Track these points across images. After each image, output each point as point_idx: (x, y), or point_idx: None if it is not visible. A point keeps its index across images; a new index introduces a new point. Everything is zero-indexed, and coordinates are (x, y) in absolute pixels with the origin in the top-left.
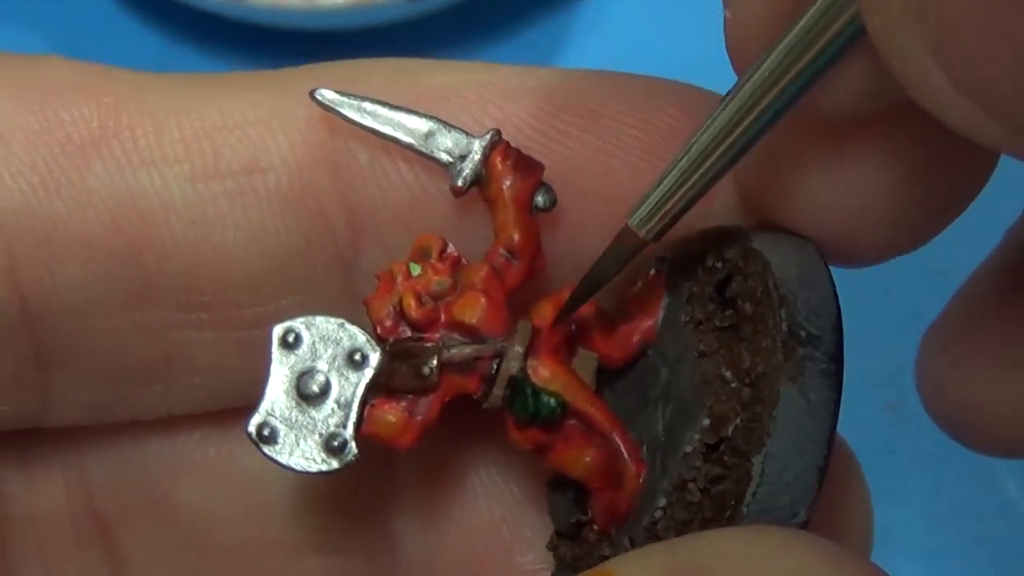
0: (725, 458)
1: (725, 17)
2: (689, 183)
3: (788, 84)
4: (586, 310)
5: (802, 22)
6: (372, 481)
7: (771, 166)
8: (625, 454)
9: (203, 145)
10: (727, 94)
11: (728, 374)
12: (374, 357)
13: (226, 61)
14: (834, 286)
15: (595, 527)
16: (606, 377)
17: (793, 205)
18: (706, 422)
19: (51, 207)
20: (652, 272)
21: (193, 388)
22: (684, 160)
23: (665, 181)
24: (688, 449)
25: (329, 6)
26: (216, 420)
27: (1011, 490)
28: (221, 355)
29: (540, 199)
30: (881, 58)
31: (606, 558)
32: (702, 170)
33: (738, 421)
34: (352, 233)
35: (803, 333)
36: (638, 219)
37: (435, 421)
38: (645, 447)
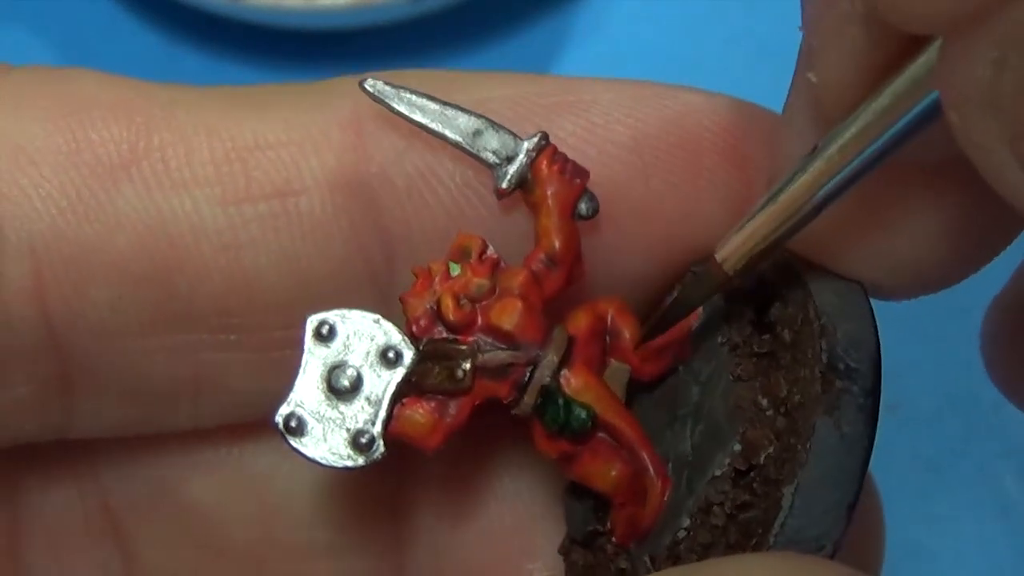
0: (754, 485)
1: (809, 79)
2: (774, 228)
3: (875, 150)
4: (621, 323)
5: (889, 93)
6: (384, 483)
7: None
8: (651, 471)
9: (235, 167)
10: (813, 151)
11: (764, 402)
12: (408, 356)
13: (226, 61)
14: (874, 319)
15: (613, 539)
16: (634, 390)
17: (831, 255)
18: (737, 447)
19: (80, 230)
20: None
21: (221, 406)
22: (772, 207)
23: (752, 223)
24: (717, 472)
25: (329, 6)
26: None
27: (1011, 491)
28: (250, 376)
29: (583, 206)
30: (960, 146)
31: (623, 571)
32: (788, 219)
33: (771, 450)
34: (386, 257)
35: (842, 366)
36: (723, 254)
37: (464, 424)
38: (671, 464)
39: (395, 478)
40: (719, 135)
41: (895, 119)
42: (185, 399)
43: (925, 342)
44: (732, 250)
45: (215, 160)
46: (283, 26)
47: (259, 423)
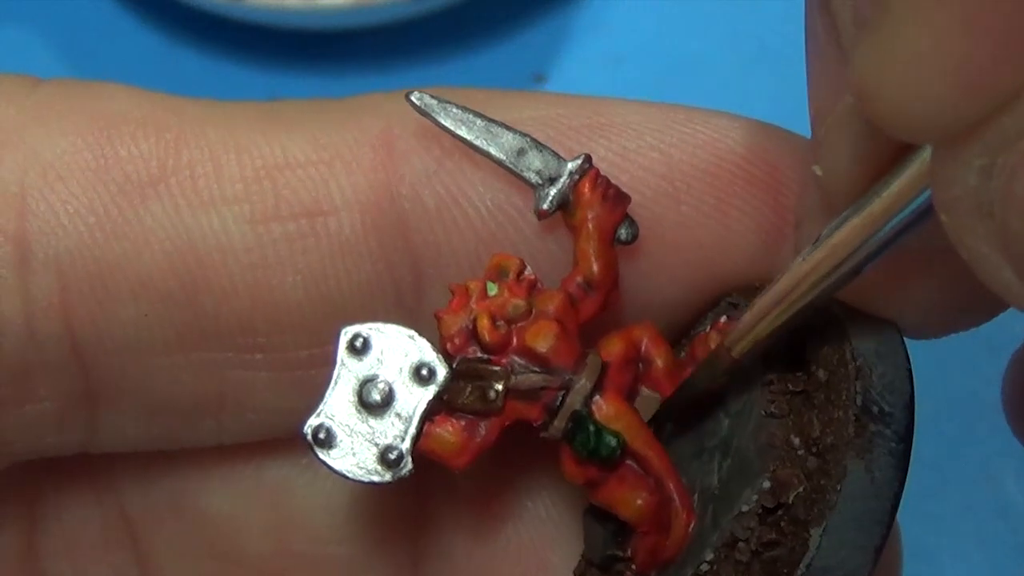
0: (782, 524)
1: (815, 173)
2: (778, 314)
3: (876, 242)
4: (654, 351)
5: (890, 186)
6: (403, 498)
7: None
8: (677, 502)
9: (264, 185)
10: (816, 241)
11: (796, 441)
12: (441, 373)
13: (226, 61)
14: (909, 362)
15: (633, 567)
16: (663, 418)
17: (864, 297)
18: (767, 484)
19: (107, 247)
20: (724, 320)
21: (245, 424)
22: (775, 297)
23: (756, 311)
24: (744, 508)
25: (329, 6)
26: None
27: (1011, 491)
28: (275, 394)
29: (623, 232)
30: (953, 246)
31: None
32: (790, 308)
33: (800, 489)
34: (415, 278)
35: (876, 409)
36: (731, 340)
37: (493, 445)
38: (696, 495)
39: (414, 494)
40: (751, 161)
41: (896, 212)
42: (208, 416)
43: (925, 342)
44: (738, 336)
45: (244, 178)
46: (283, 26)
47: (279, 439)
